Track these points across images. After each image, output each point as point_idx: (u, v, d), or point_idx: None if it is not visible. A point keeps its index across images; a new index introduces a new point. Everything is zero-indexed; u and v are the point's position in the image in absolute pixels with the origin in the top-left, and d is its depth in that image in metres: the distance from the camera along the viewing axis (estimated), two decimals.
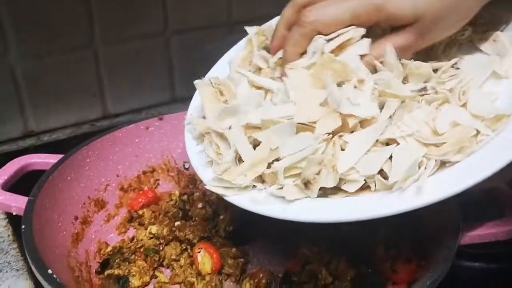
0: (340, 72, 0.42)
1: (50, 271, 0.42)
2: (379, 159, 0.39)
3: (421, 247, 0.52)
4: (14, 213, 0.52)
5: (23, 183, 0.58)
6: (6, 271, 0.59)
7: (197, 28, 0.96)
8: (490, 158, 0.37)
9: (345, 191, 0.40)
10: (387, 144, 0.40)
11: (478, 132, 0.39)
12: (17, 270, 0.60)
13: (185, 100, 1.01)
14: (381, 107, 0.41)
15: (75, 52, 0.87)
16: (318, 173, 0.39)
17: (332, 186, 0.39)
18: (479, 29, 0.47)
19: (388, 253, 0.53)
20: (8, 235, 0.66)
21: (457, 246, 0.46)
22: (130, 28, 0.90)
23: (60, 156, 0.58)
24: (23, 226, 0.47)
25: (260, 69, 0.50)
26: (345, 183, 0.40)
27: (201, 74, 0.85)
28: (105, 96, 0.94)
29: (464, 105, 0.41)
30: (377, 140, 0.40)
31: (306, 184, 0.40)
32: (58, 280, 0.41)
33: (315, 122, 0.40)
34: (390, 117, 0.40)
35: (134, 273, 0.54)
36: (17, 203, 0.52)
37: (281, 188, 0.41)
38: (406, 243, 0.53)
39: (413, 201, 0.37)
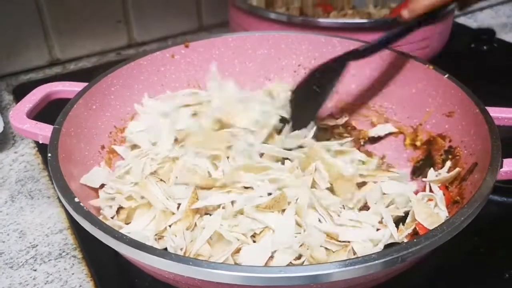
0: None
1: (76, 199, 0.41)
2: None
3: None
4: (40, 142, 0.51)
5: (50, 112, 0.58)
6: (38, 198, 0.60)
7: None
8: None
9: None
10: None
11: None
12: (48, 197, 0.61)
13: (212, 28, 0.98)
14: None
15: None
16: None
17: None
18: None
19: None
20: (38, 164, 0.66)
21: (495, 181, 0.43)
22: None
23: (85, 84, 0.57)
24: (49, 155, 0.46)
25: None
26: None
27: (227, 1, 0.81)
28: (130, 24, 0.91)
29: None
30: None
31: None
32: (85, 208, 0.41)
33: None
34: None
35: None
36: (43, 131, 0.50)
37: None
38: None
39: None
